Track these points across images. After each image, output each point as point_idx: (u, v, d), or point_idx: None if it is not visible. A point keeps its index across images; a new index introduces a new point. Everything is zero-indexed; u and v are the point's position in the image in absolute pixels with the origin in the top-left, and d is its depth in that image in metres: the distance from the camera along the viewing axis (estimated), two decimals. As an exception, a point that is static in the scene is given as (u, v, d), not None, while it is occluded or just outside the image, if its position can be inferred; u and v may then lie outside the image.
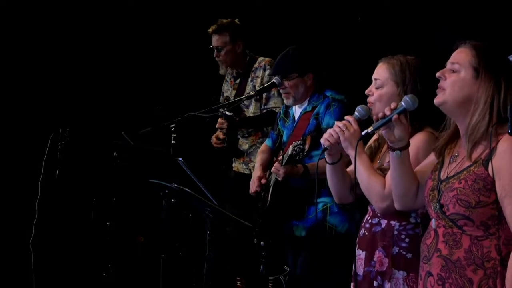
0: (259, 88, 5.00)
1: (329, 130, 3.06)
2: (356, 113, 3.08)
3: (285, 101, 4.54)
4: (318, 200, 4.29)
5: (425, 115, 3.06)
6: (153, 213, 5.07)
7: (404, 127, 2.86)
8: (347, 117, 3.06)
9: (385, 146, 3.16)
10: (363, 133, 2.92)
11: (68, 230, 5.69)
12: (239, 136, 5.31)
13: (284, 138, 4.54)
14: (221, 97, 5.56)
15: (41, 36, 6.13)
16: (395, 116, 2.82)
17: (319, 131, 4.32)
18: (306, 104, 4.44)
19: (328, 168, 3.20)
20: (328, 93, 4.38)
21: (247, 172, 5.26)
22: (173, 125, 4.76)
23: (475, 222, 2.67)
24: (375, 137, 3.28)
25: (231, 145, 5.29)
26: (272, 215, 4.38)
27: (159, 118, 4.89)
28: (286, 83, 4.42)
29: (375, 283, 3.11)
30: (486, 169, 2.65)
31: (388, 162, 3.04)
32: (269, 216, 4.38)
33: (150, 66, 6.28)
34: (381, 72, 3.21)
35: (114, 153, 5.09)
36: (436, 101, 2.77)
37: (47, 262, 5.51)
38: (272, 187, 4.39)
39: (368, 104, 3.20)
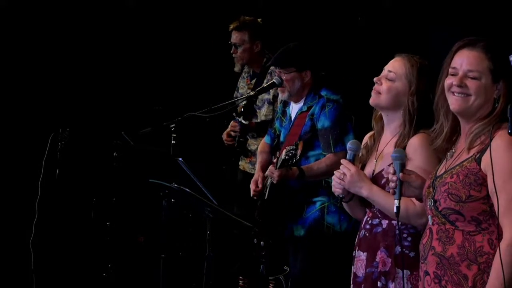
0: (258, 88, 5.00)
1: (334, 180, 3.09)
2: (349, 151, 3.10)
3: (280, 95, 4.53)
4: (315, 199, 4.31)
5: (424, 119, 3.07)
6: (153, 213, 5.07)
7: (413, 177, 2.86)
8: (342, 161, 3.09)
9: (381, 145, 3.18)
10: (396, 207, 2.83)
11: (68, 230, 5.68)
12: (248, 137, 5.31)
13: (281, 138, 4.54)
14: (236, 92, 5.56)
15: (41, 36, 6.13)
16: (401, 176, 2.82)
17: (314, 132, 4.33)
18: (302, 104, 4.43)
19: (345, 205, 3.24)
20: (323, 93, 4.36)
21: (253, 172, 5.27)
22: (173, 125, 4.75)
23: (466, 217, 2.67)
24: (370, 133, 3.30)
25: (241, 144, 5.29)
26: (268, 215, 4.39)
27: (159, 118, 4.89)
28: (283, 77, 4.41)
29: (379, 284, 3.11)
30: (479, 164, 2.66)
31: (390, 165, 3.01)
32: (265, 216, 4.39)
33: (150, 66, 6.28)
34: (398, 66, 3.17)
35: (114, 153, 5.09)
36: (459, 107, 2.73)
37: (47, 262, 5.50)
38: (268, 188, 4.39)
39: (373, 92, 3.18)
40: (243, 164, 5.38)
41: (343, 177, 3.06)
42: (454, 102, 2.74)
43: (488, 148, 2.64)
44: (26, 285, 5.47)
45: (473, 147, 2.71)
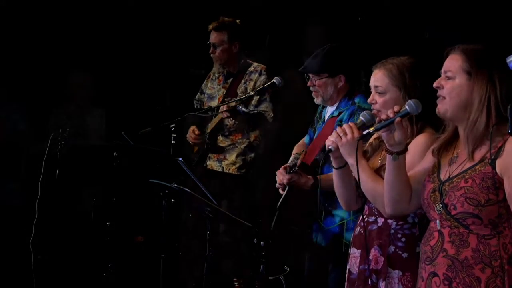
0: (258, 87, 4.99)
1: (334, 132, 3.02)
2: (361, 117, 3.03)
3: (315, 100, 4.37)
4: (335, 213, 4.12)
5: (427, 116, 3.04)
6: (153, 213, 5.07)
7: (404, 131, 2.86)
8: (349, 123, 3.02)
9: None
10: (364, 132, 2.91)
11: (68, 230, 5.69)
12: (219, 134, 5.29)
13: (314, 138, 4.44)
14: (198, 94, 5.54)
15: (41, 35, 6.13)
16: (397, 119, 2.82)
17: None
18: (334, 108, 4.25)
19: (335, 173, 3.15)
20: (357, 100, 4.14)
21: (220, 169, 5.27)
22: (173, 125, 4.76)
23: (484, 220, 2.68)
24: (376, 135, 3.27)
25: (213, 142, 5.27)
26: (283, 212, 4.27)
27: (159, 118, 4.89)
28: (315, 82, 4.24)
29: (370, 282, 3.11)
30: (494, 168, 2.67)
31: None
32: (280, 213, 4.26)
33: (150, 66, 6.28)
34: (380, 79, 3.18)
35: (114, 153, 5.09)
36: (439, 111, 2.78)
37: (47, 262, 5.50)
38: (285, 192, 4.24)
39: (373, 112, 3.15)
40: (211, 163, 5.35)
41: (342, 135, 2.98)
42: (437, 107, 2.79)
43: (502, 151, 2.66)
44: (26, 285, 5.48)
45: (479, 151, 2.72)
